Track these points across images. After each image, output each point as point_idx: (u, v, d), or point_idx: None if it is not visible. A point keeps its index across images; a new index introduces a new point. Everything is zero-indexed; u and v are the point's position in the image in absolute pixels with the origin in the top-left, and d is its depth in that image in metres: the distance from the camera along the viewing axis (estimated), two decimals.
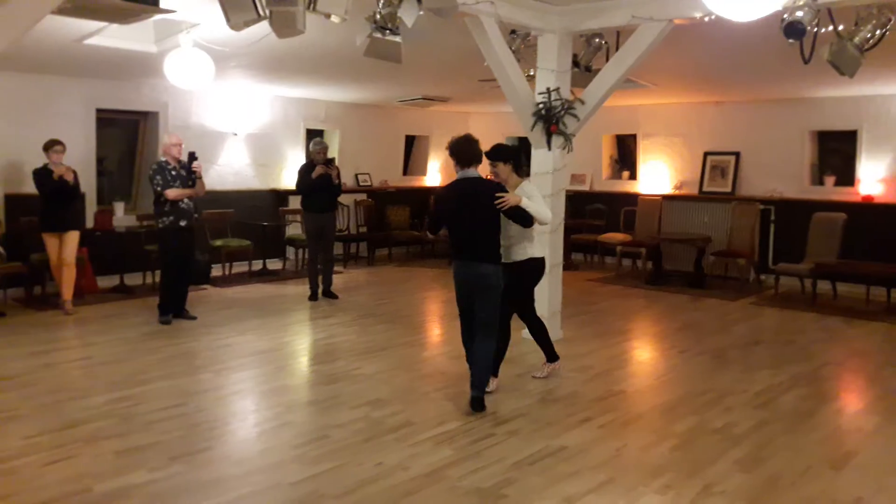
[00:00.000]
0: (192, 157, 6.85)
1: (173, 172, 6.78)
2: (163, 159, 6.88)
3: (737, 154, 10.08)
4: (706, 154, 10.34)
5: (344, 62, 7.53)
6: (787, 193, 9.61)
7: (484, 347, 4.67)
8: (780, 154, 9.65)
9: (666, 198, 10.44)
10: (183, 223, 6.82)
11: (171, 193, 6.71)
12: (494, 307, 4.65)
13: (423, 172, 12.66)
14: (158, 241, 7.07)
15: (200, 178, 6.90)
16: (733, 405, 4.89)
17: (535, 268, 5.06)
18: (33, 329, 6.63)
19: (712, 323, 7.45)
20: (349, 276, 9.72)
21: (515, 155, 5.07)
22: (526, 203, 4.61)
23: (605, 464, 3.90)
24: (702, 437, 4.34)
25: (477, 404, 4.64)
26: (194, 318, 7.03)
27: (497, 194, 4.54)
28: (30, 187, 7.14)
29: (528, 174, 5.98)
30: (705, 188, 10.30)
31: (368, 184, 11.51)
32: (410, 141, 12.50)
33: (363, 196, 11.26)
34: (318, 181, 7.87)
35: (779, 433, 4.40)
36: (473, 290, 4.64)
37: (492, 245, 4.65)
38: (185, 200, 6.82)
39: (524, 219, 4.65)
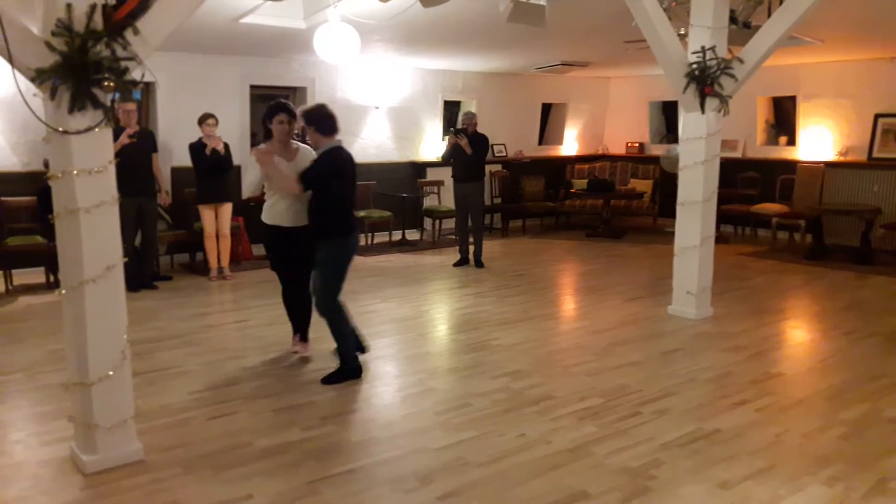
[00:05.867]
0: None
1: None
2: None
3: None
4: (877, 116, 9.37)
5: (485, 30, 7.45)
6: None
7: None
8: None
9: (829, 165, 9.60)
10: None
11: None
12: None
13: (559, 142, 12.36)
14: None
15: None
16: None
17: None
18: (196, 292, 7.14)
19: (883, 302, 6.79)
20: (484, 247, 9.70)
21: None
22: None
23: (764, 450, 3.65)
24: (875, 426, 3.97)
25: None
26: None
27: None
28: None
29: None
30: (875, 154, 9.36)
31: (503, 154, 11.39)
32: (546, 110, 12.24)
33: (498, 167, 11.17)
34: (451, 151, 8.15)
35: None
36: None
37: None
38: None
39: None
